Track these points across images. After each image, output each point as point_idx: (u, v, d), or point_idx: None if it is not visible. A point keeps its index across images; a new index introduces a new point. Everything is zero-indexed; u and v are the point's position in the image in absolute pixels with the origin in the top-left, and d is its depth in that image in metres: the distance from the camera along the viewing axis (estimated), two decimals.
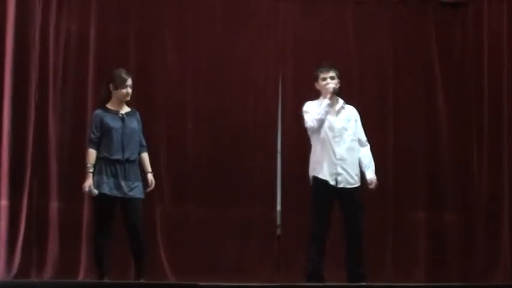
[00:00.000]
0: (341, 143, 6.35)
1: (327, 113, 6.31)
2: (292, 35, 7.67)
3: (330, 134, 6.32)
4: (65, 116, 7.31)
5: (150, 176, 6.47)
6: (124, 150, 6.29)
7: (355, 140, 6.43)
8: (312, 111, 6.36)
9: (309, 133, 6.44)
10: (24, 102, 7.20)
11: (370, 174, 6.42)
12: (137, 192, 6.31)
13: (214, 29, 7.62)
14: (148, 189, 6.42)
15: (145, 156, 6.48)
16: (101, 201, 6.27)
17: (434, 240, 7.60)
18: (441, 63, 7.71)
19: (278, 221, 7.49)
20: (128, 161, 6.29)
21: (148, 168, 6.47)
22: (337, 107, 6.44)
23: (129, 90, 6.37)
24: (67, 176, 7.14)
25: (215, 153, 7.49)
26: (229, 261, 7.34)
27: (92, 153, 6.27)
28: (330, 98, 6.33)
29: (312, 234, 6.30)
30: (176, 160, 7.47)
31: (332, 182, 6.29)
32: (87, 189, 6.20)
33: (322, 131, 6.32)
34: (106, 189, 6.22)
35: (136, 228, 6.27)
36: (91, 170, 6.23)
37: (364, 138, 6.48)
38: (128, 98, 6.40)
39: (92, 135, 6.30)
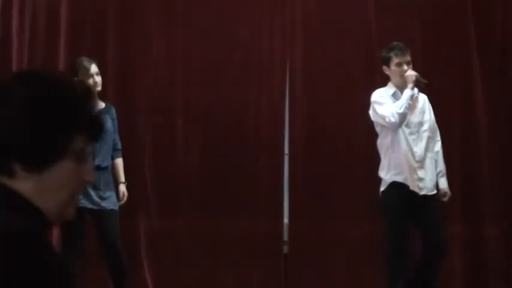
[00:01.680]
0: (418, 141, 5.88)
1: (410, 105, 5.78)
2: (302, 14, 7.14)
3: (406, 131, 5.84)
4: None
5: (122, 188, 6.00)
6: (94, 155, 5.69)
7: (431, 137, 5.94)
8: (388, 102, 5.82)
9: (378, 129, 5.97)
10: None
11: (443, 184, 5.99)
12: (110, 203, 5.84)
13: (208, 9, 7.10)
14: (120, 203, 5.96)
15: (119, 162, 6.02)
16: None
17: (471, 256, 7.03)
18: (479, 47, 7.12)
19: (285, 237, 7.01)
20: (98, 168, 5.73)
21: (122, 177, 6.01)
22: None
23: (96, 78, 5.85)
24: None
25: (210, 157, 7.01)
26: (227, 284, 6.90)
27: None
28: (413, 88, 5.82)
29: (394, 250, 5.80)
30: (164, 165, 7.00)
31: (414, 189, 5.80)
32: None
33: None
34: None
35: (114, 245, 5.85)
36: None
37: (438, 135, 6.03)
38: (98, 88, 5.85)
39: None
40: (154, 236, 6.88)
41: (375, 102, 5.86)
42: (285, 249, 6.95)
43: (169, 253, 6.85)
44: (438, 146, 5.96)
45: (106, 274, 5.99)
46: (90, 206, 5.71)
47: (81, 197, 5.59)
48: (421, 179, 5.80)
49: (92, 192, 5.72)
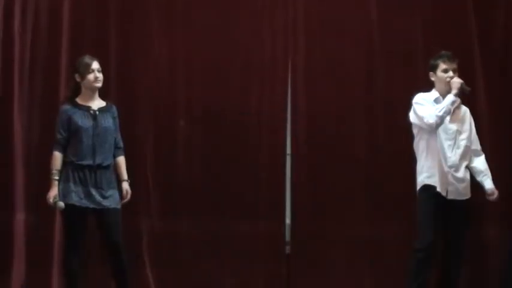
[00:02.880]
0: (454, 147, 5.98)
1: (450, 111, 5.91)
2: (303, 14, 7.10)
3: (443, 136, 5.95)
4: (32, 112, 6.88)
5: (125, 185, 5.96)
6: (95, 154, 5.79)
7: (469, 146, 6.03)
8: (428, 104, 5.93)
9: (416, 131, 6.04)
10: None
11: (490, 184, 6.07)
12: (112, 202, 5.80)
13: (209, 9, 7.08)
14: (124, 201, 5.93)
15: (121, 160, 5.98)
16: (69, 213, 5.77)
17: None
18: (481, 46, 7.07)
19: (287, 237, 6.97)
20: (99, 167, 5.79)
21: (125, 175, 5.97)
22: (454, 106, 6.03)
23: (98, 74, 5.87)
24: (35, 182, 6.63)
25: (212, 157, 6.97)
26: (229, 284, 6.87)
27: (57, 157, 5.81)
28: (456, 95, 5.95)
29: (420, 250, 5.85)
30: (165, 165, 6.98)
31: (443, 193, 5.89)
32: (51, 200, 5.73)
33: (435, 131, 5.94)
34: (75, 199, 5.73)
35: (116, 244, 5.80)
36: (56, 177, 5.78)
37: (478, 146, 6.14)
38: (99, 85, 5.88)
39: (59, 136, 5.83)
40: (156, 236, 6.85)
41: (416, 103, 5.97)
42: (287, 249, 6.92)
43: (171, 253, 6.83)
44: (482, 159, 6.05)
45: (108, 273, 5.96)
46: (92, 205, 5.71)
47: (82, 196, 5.69)
48: (451, 184, 5.89)
49: (94, 192, 5.72)
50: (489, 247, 6.96)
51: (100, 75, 5.84)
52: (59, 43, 6.85)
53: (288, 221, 6.96)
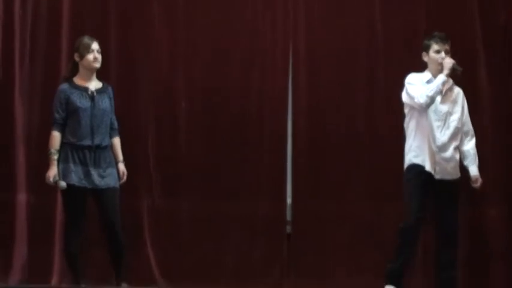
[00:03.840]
0: (443, 128, 5.98)
1: (441, 91, 5.92)
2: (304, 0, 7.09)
3: (432, 117, 5.95)
4: (33, 96, 6.83)
5: (121, 166, 6.00)
6: (94, 135, 5.82)
7: (459, 128, 6.03)
8: (419, 84, 5.93)
9: (407, 110, 6.06)
10: None
11: (475, 171, 6.08)
12: (111, 181, 5.86)
13: None
14: (121, 182, 5.97)
15: (117, 141, 6.03)
16: (70, 194, 5.81)
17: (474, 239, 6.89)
18: (484, 35, 6.98)
19: (288, 217, 6.95)
20: (98, 147, 5.84)
21: (120, 156, 6.02)
22: (446, 86, 6.05)
23: (97, 55, 5.89)
24: (37, 163, 6.57)
25: (213, 138, 6.94)
26: (230, 264, 6.86)
27: (56, 137, 5.83)
28: (447, 75, 5.95)
29: (407, 225, 5.88)
30: (167, 146, 6.94)
31: (431, 171, 5.90)
32: (51, 179, 5.77)
33: (425, 111, 5.93)
34: (74, 179, 5.78)
35: (113, 225, 5.87)
36: (55, 157, 5.82)
37: (470, 127, 6.13)
38: (97, 65, 5.90)
39: (57, 115, 5.84)
40: (158, 216, 6.85)
41: (408, 83, 5.97)
42: (288, 229, 6.92)
43: (172, 233, 6.82)
44: (471, 142, 6.04)
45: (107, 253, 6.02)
46: (90, 186, 5.74)
47: (82, 176, 5.73)
48: (438, 163, 5.88)
49: (93, 172, 5.76)
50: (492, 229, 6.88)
51: (99, 56, 5.85)
52: (59, 26, 6.83)
53: (288, 200, 6.94)
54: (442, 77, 5.88)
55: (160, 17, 6.93)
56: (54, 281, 6.63)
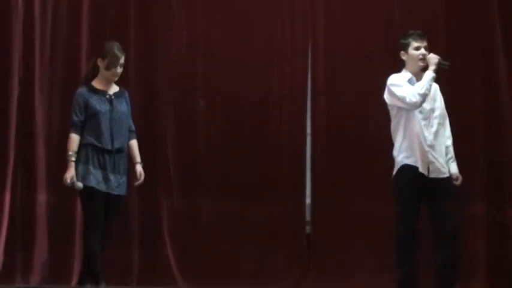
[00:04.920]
0: (429, 126, 5.90)
1: (431, 87, 5.80)
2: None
3: (419, 116, 5.84)
4: (54, 94, 6.84)
5: (139, 168, 6.00)
6: (113, 139, 5.84)
7: (441, 124, 5.95)
8: (406, 84, 5.82)
9: (394, 112, 5.92)
10: (7, 78, 6.76)
11: (455, 168, 5.99)
12: (123, 190, 5.91)
13: None
14: (137, 183, 6.00)
15: (134, 143, 6.04)
16: (89, 196, 5.80)
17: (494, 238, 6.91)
18: (503, 28, 6.95)
19: (307, 217, 6.98)
20: (118, 151, 5.85)
21: (138, 158, 6.01)
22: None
23: (119, 70, 5.87)
24: (57, 163, 6.54)
25: (232, 138, 6.96)
26: (250, 265, 6.87)
27: (74, 139, 5.81)
28: (435, 71, 5.81)
29: (403, 234, 5.82)
30: (186, 146, 6.98)
31: (424, 171, 5.81)
32: (68, 181, 5.75)
33: (411, 111, 5.86)
34: (93, 182, 5.76)
35: (109, 232, 5.93)
36: (73, 159, 5.78)
37: (447, 125, 6.00)
38: (116, 79, 5.91)
39: (75, 118, 5.82)
40: (177, 216, 6.87)
41: (393, 85, 5.85)
42: (308, 229, 6.94)
43: (191, 233, 6.86)
44: (448, 133, 5.97)
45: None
46: (107, 190, 5.76)
47: (100, 179, 5.74)
48: (431, 162, 5.81)
49: (112, 177, 5.77)
50: None
51: (121, 71, 5.84)
52: (79, 25, 6.87)
53: (308, 200, 6.95)
54: (430, 73, 5.76)
55: (180, 17, 6.96)
56: (74, 281, 6.62)
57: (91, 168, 5.74)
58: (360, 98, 6.86)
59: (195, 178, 6.93)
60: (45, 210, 6.72)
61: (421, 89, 5.73)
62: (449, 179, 5.88)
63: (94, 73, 5.87)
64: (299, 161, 6.95)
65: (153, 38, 6.94)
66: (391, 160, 6.70)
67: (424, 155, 5.79)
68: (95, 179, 5.72)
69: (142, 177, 5.95)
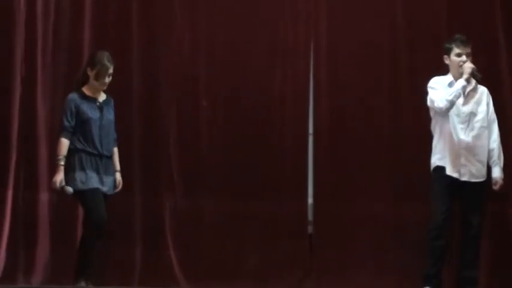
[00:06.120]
0: (467, 130, 6.00)
1: (460, 95, 5.90)
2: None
3: (455, 119, 5.95)
4: (56, 93, 6.78)
5: (118, 176, 6.14)
6: (102, 145, 5.99)
7: (485, 127, 6.02)
8: (441, 88, 5.94)
9: (432, 114, 6.12)
10: (9, 78, 6.74)
11: (497, 172, 6.06)
12: (111, 189, 6.08)
13: None
14: (116, 191, 6.10)
15: (115, 151, 6.23)
16: (93, 197, 5.91)
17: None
18: (506, 29, 6.93)
19: (310, 217, 6.94)
20: (106, 157, 6.02)
21: (117, 166, 6.16)
22: (468, 88, 6.05)
23: (108, 80, 6.00)
24: None
25: (234, 138, 6.92)
26: (252, 264, 6.83)
27: (65, 144, 5.94)
28: (467, 80, 5.90)
29: (433, 231, 5.96)
30: (188, 146, 6.94)
31: (455, 175, 5.91)
32: (57, 184, 5.87)
33: (447, 114, 5.93)
34: (95, 183, 5.96)
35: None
36: (62, 163, 5.91)
37: (495, 127, 6.11)
38: (104, 88, 6.03)
39: (67, 123, 5.97)
40: (179, 217, 6.85)
41: (430, 87, 6.00)
42: (310, 229, 6.91)
43: (194, 233, 6.83)
44: (495, 136, 6.03)
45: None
46: (103, 191, 5.91)
47: (97, 180, 5.86)
48: (463, 165, 5.91)
49: (105, 179, 5.92)
50: None
51: (109, 80, 5.95)
52: (82, 24, 6.84)
53: (310, 200, 6.92)
54: (461, 82, 5.90)
55: (182, 19, 6.93)
56: None
57: (89, 172, 5.86)
58: (362, 100, 6.85)
59: (198, 178, 6.89)
60: (48, 209, 6.70)
61: (450, 95, 5.88)
62: (484, 183, 5.99)
63: (84, 80, 5.99)
64: (301, 162, 6.92)
65: (155, 40, 6.91)
66: (394, 160, 6.81)
67: (456, 157, 5.91)
68: (95, 180, 5.84)
69: (121, 186, 6.08)
